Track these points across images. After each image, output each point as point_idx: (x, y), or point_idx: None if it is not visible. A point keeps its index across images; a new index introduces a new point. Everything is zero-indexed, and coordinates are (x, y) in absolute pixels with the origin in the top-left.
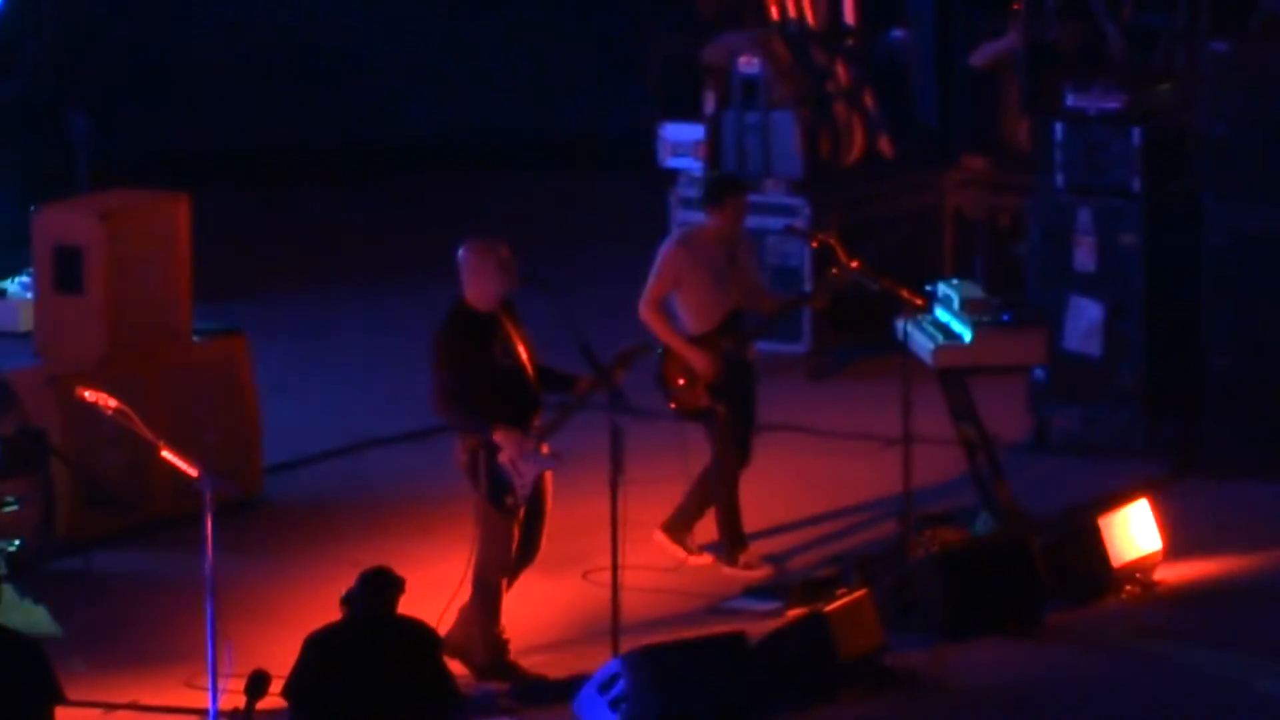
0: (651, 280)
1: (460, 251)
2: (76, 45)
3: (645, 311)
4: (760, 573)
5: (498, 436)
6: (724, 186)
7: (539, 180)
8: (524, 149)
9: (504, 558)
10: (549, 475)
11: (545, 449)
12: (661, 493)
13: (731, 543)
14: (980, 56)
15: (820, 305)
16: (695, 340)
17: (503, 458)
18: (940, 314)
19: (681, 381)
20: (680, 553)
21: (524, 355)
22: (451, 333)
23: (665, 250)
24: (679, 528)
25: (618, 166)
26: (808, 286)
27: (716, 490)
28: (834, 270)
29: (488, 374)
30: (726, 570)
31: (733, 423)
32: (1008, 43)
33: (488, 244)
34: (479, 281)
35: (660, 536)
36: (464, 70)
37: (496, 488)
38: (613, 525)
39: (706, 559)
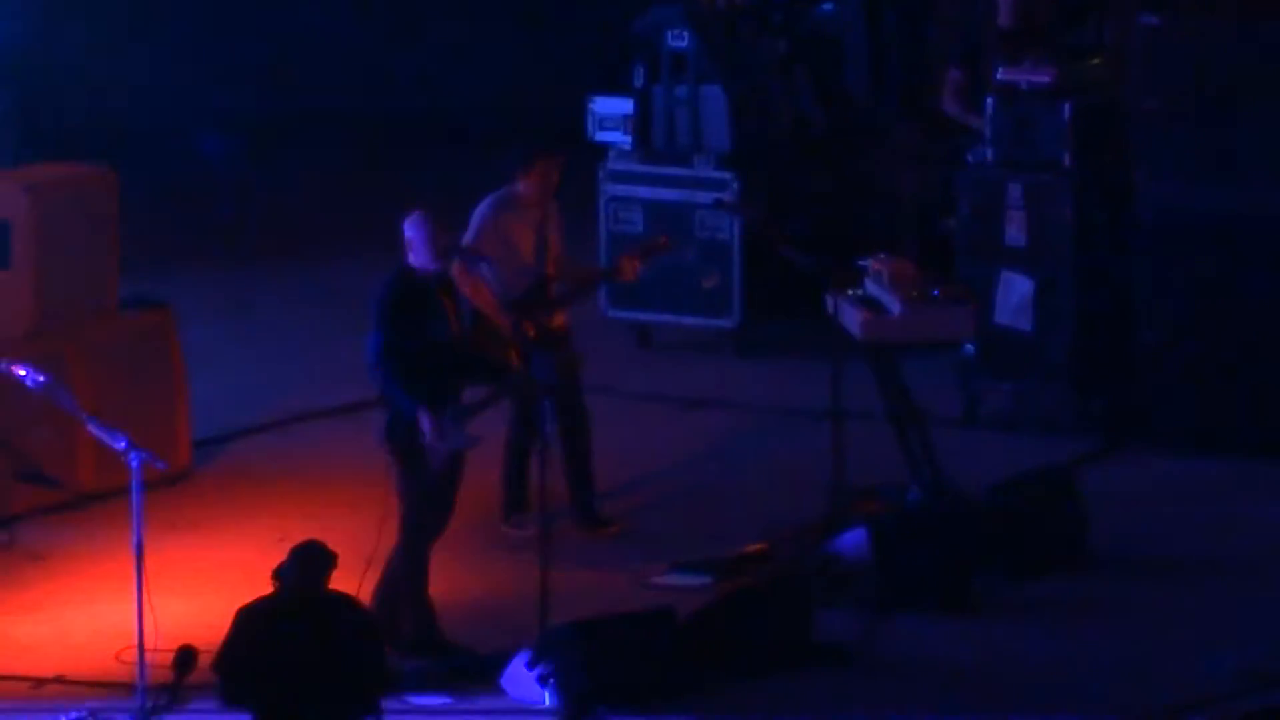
0: (466, 240)
1: (405, 221)
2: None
3: (458, 271)
4: (529, 533)
5: (421, 414)
6: (534, 149)
7: (469, 154)
8: (455, 122)
9: (426, 527)
10: (466, 453)
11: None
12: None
13: (511, 501)
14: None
15: (628, 278)
16: (504, 305)
17: (424, 430)
18: (870, 288)
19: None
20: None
21: (456, 333)
22: (391, 294)
23: (481, 211)
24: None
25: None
26: (735, 261)
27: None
28: (649, 244)
29: (419, 341)
30: (503, 529)
31: (532, 391)
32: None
33: (430, 214)
34: (420, 250)
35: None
36: (394, 44)
37: (412, 458)
38: (541, 499)
39: (614, 529)
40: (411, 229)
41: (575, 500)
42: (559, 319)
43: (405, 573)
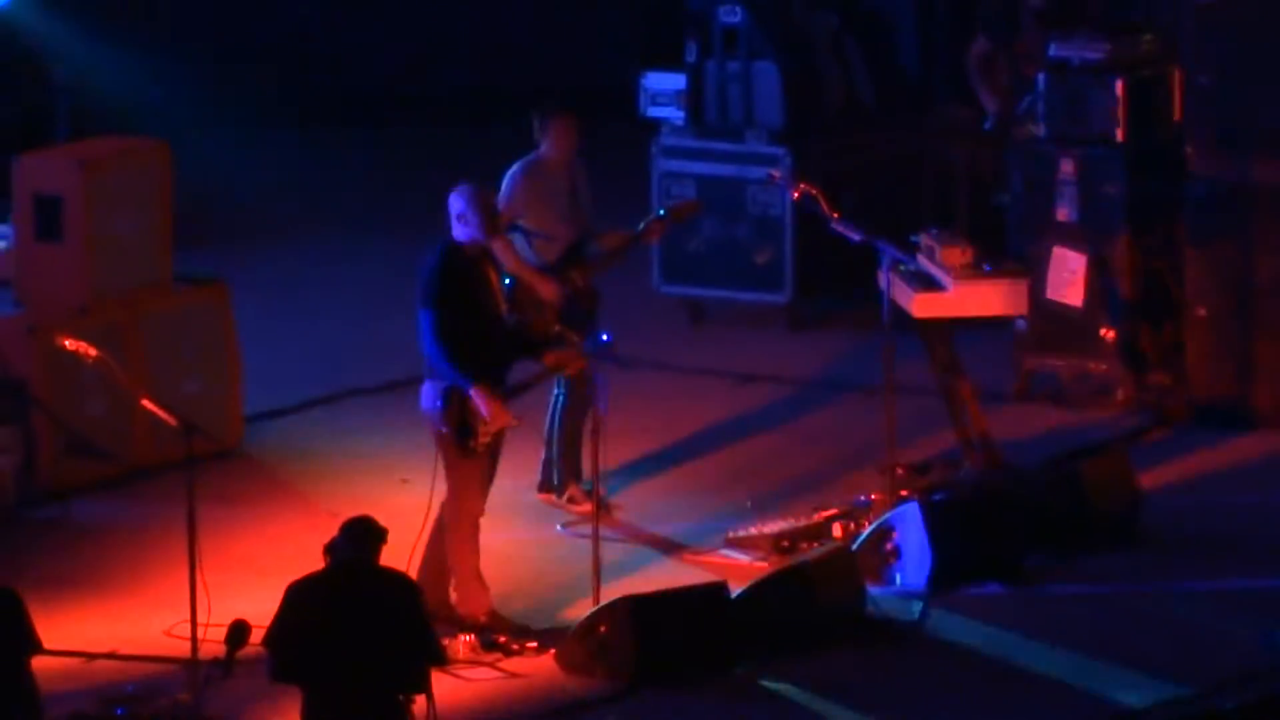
0: (500, 207)
1: (451, 195)
2: None
3: (499, 243)
4: (584, 508)
5: (475, 390)
6: (546, 110)
7: (521, 132)
8: (504, 100)
9: (476, 501)
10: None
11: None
12: (639, 444)
13: (568, 474)
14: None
15: (655, 239)
16: (541, 269)
17: (477, 406)
18: (922, 264)
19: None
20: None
21: (502, 306)
22: (443, 270)
23: (512, 177)
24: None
25: (598, 116)
26: (787, 237)
27: (565, 420)
28: (670, 207)
29: (471, 317)
30: (542, 498)
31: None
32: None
33: (478, 187)
34: (467, 225)
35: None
36: (450, 24)
37: (463, 431)
38: (594, 475)
39: (574, 504)
40: (460, 202)
41: (560, 464)
42: (588, 282)
43: (455, 548)
